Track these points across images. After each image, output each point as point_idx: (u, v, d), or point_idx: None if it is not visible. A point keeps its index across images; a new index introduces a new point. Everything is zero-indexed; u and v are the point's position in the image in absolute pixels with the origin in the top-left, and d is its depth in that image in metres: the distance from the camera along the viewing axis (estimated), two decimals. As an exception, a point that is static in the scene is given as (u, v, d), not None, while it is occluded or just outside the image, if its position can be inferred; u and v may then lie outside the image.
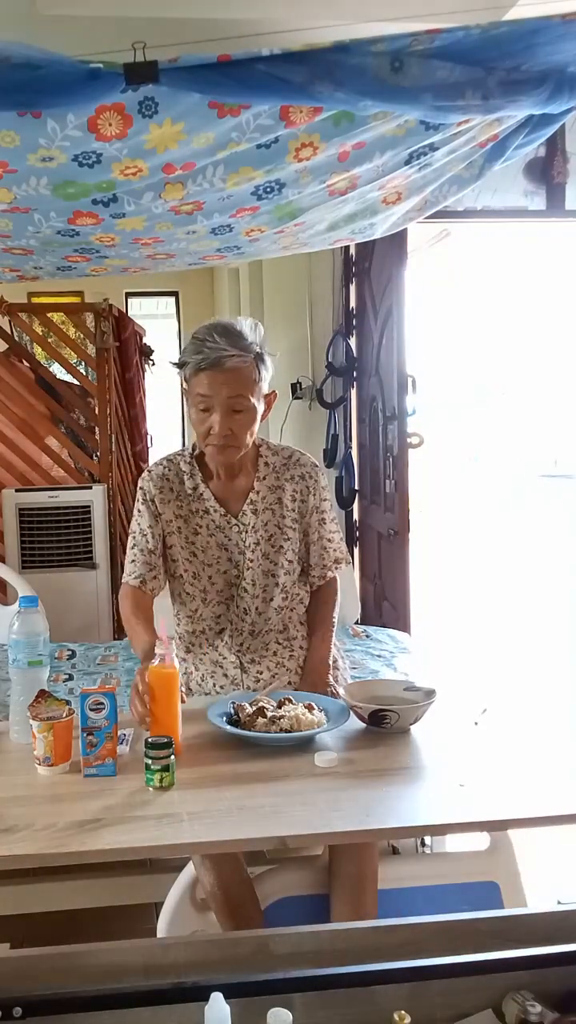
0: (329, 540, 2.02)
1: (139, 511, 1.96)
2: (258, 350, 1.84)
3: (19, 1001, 1.01)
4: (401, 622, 3.68)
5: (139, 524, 1.95)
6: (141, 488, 1.98)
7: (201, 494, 1.95)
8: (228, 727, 1.65)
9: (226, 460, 1.89)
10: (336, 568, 2.05)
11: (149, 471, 1.99)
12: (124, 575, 1.95)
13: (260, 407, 1.87)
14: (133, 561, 1.94)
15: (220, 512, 1.95)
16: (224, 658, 1.97)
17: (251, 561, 1.94)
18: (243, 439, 1.85)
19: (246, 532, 1.94)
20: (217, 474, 1.95)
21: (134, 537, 1.96)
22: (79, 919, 2.25)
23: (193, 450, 2.00)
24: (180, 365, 1.86)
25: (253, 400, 1.84)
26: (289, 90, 1.56)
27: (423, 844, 2.15)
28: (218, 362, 1.79)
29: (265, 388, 1.88)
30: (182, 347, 1.89)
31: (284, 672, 1.96)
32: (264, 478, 1.97)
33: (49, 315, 4.45)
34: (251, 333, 1.85)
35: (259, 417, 1.88)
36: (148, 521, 1.94)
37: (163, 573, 1.96)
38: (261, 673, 1.95)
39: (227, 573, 1.95)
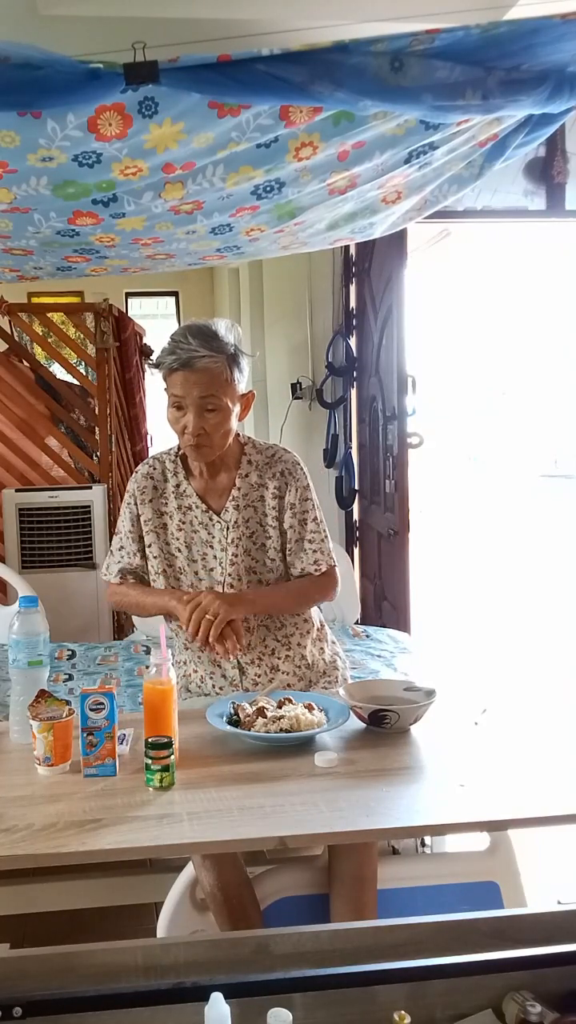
0: (310, 542, 1.97)
1: (122, 510, 2.05)
2: (231, 350, 1.86)
3: (19, 1001, 1.01)
4: (401, 622, 3.69)
5: (121, 523, 2.04)
6: (128, 488, 2.04)
7: (184, 491, 1.99)
8: (228, 727, 1.65)
9: (202, 459, 1.92)
10: (317, 571, 1.98)
11: (136, 471, 2.05)
12: (103, 572, 2.06)
13: (235, 407, 1.89)
14: (113, 558, 2.04)
15: (202, 508, 1.97)
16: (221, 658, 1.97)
17: (235, 557, 1.95)
18: (216, 439, 1.88)
19: (228, 529, 1.96)
20: (200, 471, 1.97)
21: (118, 536, 2.04)
22: (79, 919, 2.25)
23: (178, 449, 2.03)
24: (156, 366, 1.89)
25: (225, 400, 1.85)
26: (289, 90, 1.56)
27: (423, 844, 2.15)
28: (189, 362, 1.81)
29: (241, 388, 1.89)
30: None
31: (281, 675, 1.96)
32: (246, 475, 1.98)
33: (49, 315, 4.44)
34: (226, 333, 1.86)
35: (234, 417, 1.90)
36: (129, 522, 2.01)
37: (142, 570, 2.02)
38: (260, 676, 1.96)
39: (213, 571, 1.96)
